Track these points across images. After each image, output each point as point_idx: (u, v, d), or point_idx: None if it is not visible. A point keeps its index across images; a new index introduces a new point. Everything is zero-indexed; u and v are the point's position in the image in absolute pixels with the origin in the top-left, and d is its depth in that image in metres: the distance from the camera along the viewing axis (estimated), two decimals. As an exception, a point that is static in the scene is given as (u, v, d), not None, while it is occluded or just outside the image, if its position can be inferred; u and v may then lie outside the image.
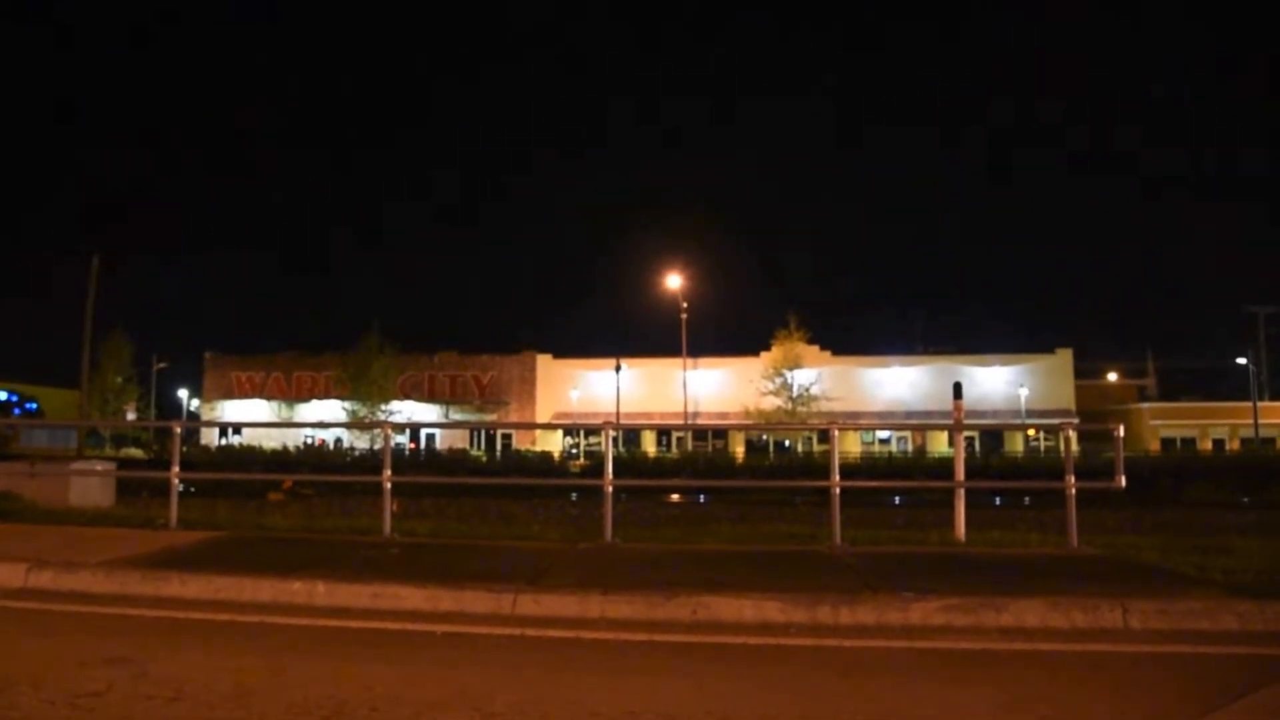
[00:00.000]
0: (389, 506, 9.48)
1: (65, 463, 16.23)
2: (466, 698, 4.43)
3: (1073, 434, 9.66)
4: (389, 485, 9.50)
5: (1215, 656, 5.40)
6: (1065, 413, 53.06)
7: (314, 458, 35.58)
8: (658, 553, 8.78)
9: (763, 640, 5.84)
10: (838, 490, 9.17)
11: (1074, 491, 9.03)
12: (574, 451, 54.09)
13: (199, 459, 34.08)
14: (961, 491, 10.65)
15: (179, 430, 10.22)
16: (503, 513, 19.44)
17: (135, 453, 46.36)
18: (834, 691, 4.70)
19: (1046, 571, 7.61)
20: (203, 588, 6.88)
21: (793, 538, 9.89)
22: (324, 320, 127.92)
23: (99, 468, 16.23)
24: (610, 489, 9.29)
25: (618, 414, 47.64)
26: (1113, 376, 71.54)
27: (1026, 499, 30.76)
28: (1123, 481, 9.16)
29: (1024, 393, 53.62)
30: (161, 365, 64.38)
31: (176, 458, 10.10)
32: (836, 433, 9.87)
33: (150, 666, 4.80)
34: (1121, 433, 9.41)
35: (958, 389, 11.20)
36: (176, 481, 9.96)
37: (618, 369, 49.86)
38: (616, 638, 5.85)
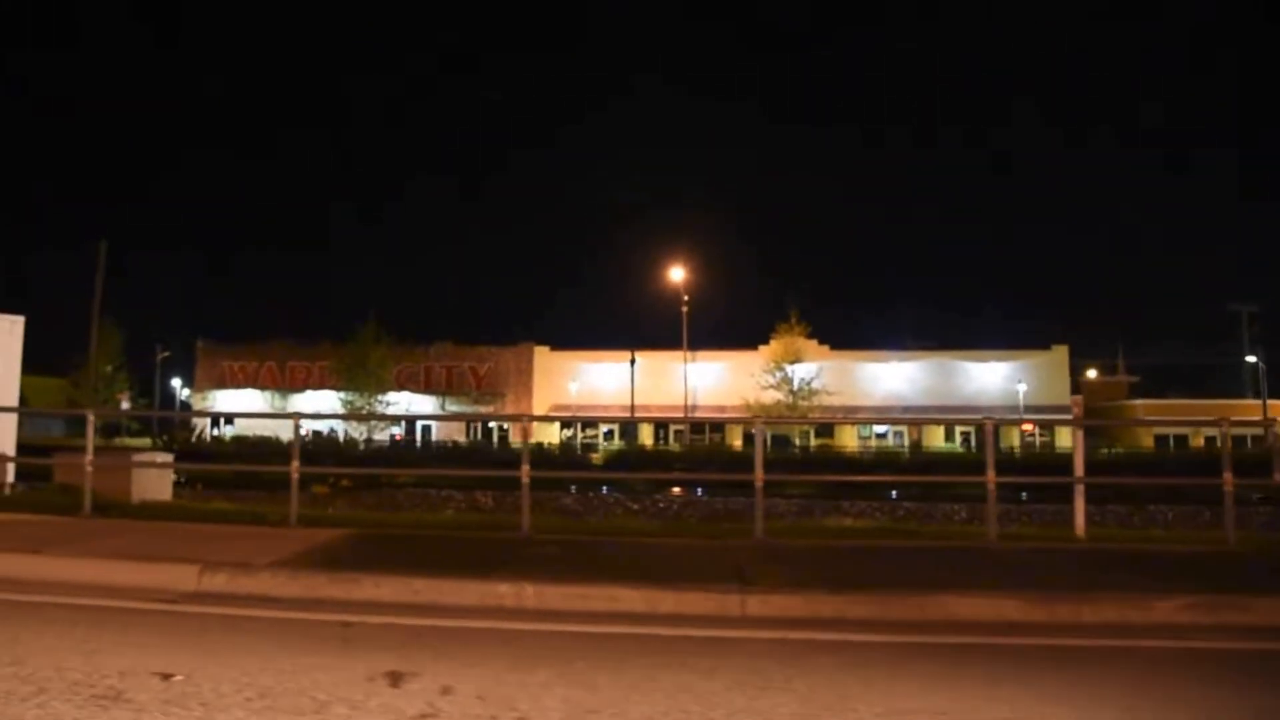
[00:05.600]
0: (528, 503, 9.17)
1: (124, 454, 15.76)
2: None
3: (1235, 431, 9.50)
4: (528, 480, 9.18)
5: None
6: (1062, 409, 53.34)
7: (333, 449, 34.88)
8: (817, 548, 8.58)
9: (1007, 640, 5.67)
10: (993, 486, 9.01)
11: (1231, 488, 8.91)
12: (593, 443, 53.07)
13: (215, 450, 33.33)
14: (1081, 488, 10.55)
15: (297, 422, 9.80)
16: (559, 507, 19.15)
17: (130, 442, 45.32)
18: (1080, 692, 4.51)
19: (1247, 570, 7.50)
20: (399, 590, 6.54)
21: (942, 536, 9.72)
22: (317, 309, 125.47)
23: (159, 459, 15.77)
24: (760, 484, 9.04)
25: (632, 407, 47.34)
26: (1092, 373, 72.21)
27: (1024, 494, 31.04)
28: (1280, 478, 9.07)
29: (1023, 389, 53.95)
30: (165, 354, 63.05)
31: (297, 453, 9.71)
32: (992, 427, 9.52)
33: (444, 681, 4.47)
34: None
35: (1077, 385, 11.11)
36: (297, 476, 9.56)
37: (632, 362, 49.54)
38: (865, 639, 5.64)
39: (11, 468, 14.51)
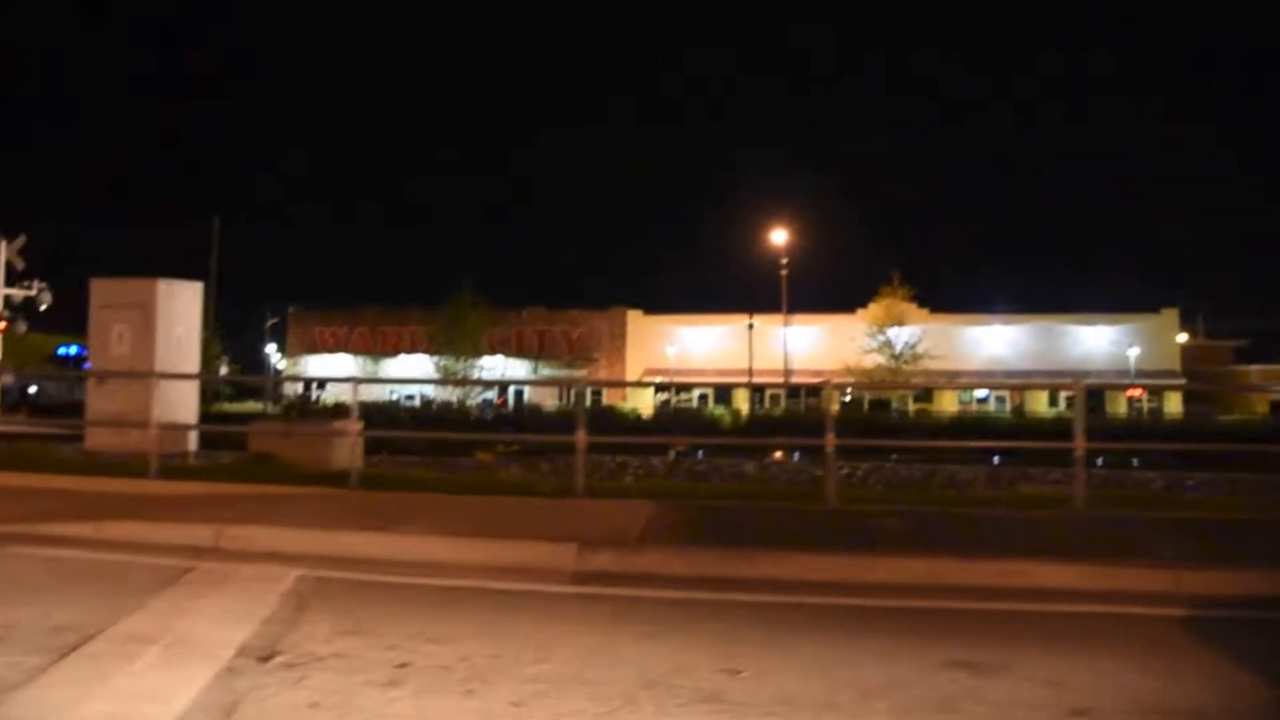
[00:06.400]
0: (833, 473, 8.83)
1: (323, 421, 15.79)
2: None
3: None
4: (831, 449, 8.82)
5: None
6: (1171, 373, 51.83)
7: (459, 416, 34.80)
8: (1154, 520, 8.12)
9: None
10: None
11: None
12: (687, 408, 52.52)
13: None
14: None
15: (582, 390, 9.52)
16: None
17: (231, 407, 45.90)
18: None
19: None
20: (796, 568, 6.25)
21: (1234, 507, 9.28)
22: (406, 274, 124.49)
23: (354, 427, 15.74)
24: (1082, 452, 8.57)
25: (751, 370, 46.89)
26: (1182, 338, 69.84)
27: (1135, 460, 30.08)
28: None
29: (1134, 353, 52.31)
30: (274, 321, 63.48)
31: (583, 423, 9.45)
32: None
33: (1029, 670, 4.15)
34: None
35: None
36: (584, 445, 9.30)
37: (750, 326, 49.04)
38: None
39: (194, 435, 14.58)
